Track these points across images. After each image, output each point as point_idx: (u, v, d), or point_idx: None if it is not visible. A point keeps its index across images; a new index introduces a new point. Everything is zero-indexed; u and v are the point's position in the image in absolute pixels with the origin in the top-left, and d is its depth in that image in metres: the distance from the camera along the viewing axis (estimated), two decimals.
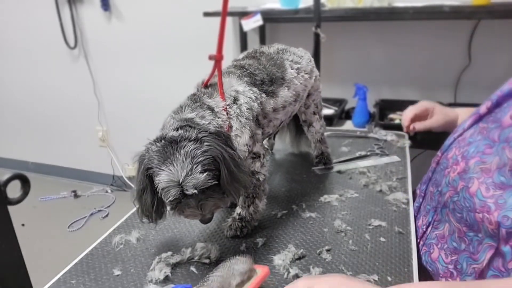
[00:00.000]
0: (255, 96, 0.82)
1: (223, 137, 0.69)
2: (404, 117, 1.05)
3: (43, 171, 3.21)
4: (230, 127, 0.77)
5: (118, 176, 2.96)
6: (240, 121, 0.78)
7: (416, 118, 1.03)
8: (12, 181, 0.37)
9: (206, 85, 0.82)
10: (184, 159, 0.65)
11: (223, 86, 0.78)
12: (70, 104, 2.91)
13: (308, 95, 1.06)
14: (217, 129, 0.71)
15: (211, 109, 0.75)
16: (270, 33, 2.19)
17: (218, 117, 0.75)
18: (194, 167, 0.65)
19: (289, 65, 0.94)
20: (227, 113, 0.77)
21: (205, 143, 0.66)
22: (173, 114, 0.75)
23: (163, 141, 0.67)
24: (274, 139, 1.27)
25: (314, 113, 1.10)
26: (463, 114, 1.07)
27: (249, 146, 0.81)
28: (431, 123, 0.96)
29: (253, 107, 0.81)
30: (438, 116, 0.97)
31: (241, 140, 0.79)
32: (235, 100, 0.79)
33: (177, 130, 0.68)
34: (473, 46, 1.87)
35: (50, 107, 2.99)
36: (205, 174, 0.65)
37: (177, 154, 0.65)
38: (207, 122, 0.71)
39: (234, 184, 0.70)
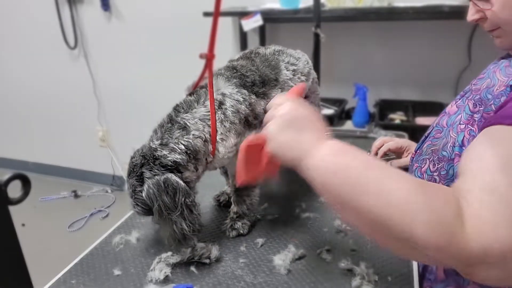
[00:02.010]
0: (243, 98, 0.81)
1: (165, 185, 0.73)
2: (374, 147, 1.06)
3: (43, 171, 3.21)
4: (215, 131, 0.78)
5: (118, 176, 2.96)
6: (225, 126, 0.79)
7: (389, 151, 1.06)
8: (13, 181, 0.37)
9: (192, 91, 0.83)
10: (129, 187, 0.78)
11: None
12: (70, 104, 2.91)
13: (305, 98, 1.05)
14: (167, 175, 0.74)
15: (183, 127, 0.77)
16: (270, 33, 2.19)
17: (190, 131, 0.76)
18: (133, 199, 0.78)
19: (284, 66, 0.93)
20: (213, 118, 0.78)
21: (145, 186, 0.75)
22: (152, 133, 0.80)
23: (130, 161, 0.78)
24: None
25: None
26: None
27: (236, 145, 0.82)
28: (405, 161, 0.99)
29: (240, 110, 0.80)
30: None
31: (227, 143, 0.80)
32: (220, 105, 0.80)
33: (141, 157, 0.77)
34: (473, 46, 1.87)
35: (50, 107, 2.98)
36: (136, 208, 0.78)
37: (129, 180, 0.78)
38: (167, 152, 0.75)
39: (162, 227, 0.78)
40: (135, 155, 0.78)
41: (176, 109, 0.80)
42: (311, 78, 1.03)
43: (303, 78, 0.97)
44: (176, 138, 0.76)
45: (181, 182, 0.74)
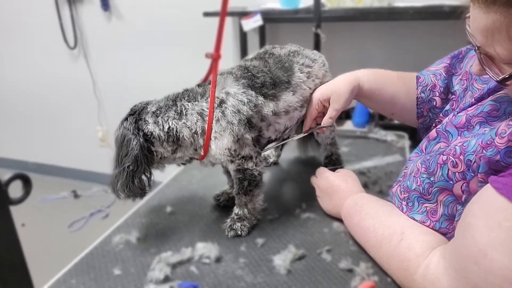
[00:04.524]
0: (248, 99, 0.81)
1: (125, 141, 0.79)
2: (309, 118, 0.96)
3: (43, 171, 3.21)
4: (208, 129, 0.79)
5: None
6: (221, 125, 0.79)
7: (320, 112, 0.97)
8: (14, 181, 0.37)
9: (201, 84, 0.84)
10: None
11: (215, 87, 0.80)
12: (70, 104, 2.91)
13: None
14: (133, 136, 0.79)
15: (178, 112, 0.81)
16: (270, 33, 2.19)
17: (182, 119, 0.80)
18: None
19: (298, 68, 0.91)
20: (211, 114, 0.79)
21: (120, 129, 0.81)
22: (162, 98, 0.85)
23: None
24: (281, 150, 1.23)
25: None
26: (366, 76, 1.01)
27: (234, 150, 0.81)
28: (334, 112, 0.91)
29: (241, 110, 0.80)
30: (335, 103, 0.91)
31: (220, 142, 0.80)
32: (221, 103, 0.80)
33: (138, 106, 0.83)
34: None
35: (50, 107, 2.99)
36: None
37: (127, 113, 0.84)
38: (151, 121, 0.80)
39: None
40: (141, 102, 0.84)
41: (183, 94, 0.84)
42: (327, 80, 1.00)
43: (317, 81, 0.95)
44: (166, 117, 0.80)
45: (137, 150, 0.78)
